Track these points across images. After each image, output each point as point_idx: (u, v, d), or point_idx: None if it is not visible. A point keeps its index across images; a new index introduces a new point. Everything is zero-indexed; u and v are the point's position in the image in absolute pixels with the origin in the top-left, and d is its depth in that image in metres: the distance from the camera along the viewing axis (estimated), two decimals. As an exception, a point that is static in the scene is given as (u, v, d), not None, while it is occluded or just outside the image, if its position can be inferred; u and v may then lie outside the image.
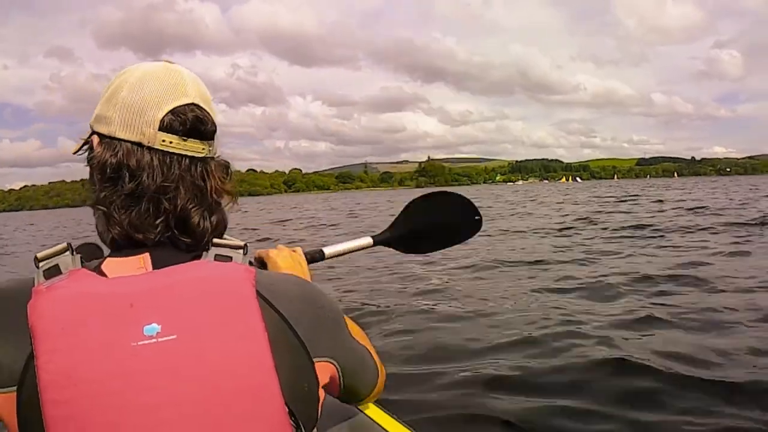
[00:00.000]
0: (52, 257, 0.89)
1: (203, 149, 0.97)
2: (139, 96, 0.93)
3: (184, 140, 0.94)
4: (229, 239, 0.99)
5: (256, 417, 0.84)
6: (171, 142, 0.93)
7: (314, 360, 0.93)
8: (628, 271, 7.35)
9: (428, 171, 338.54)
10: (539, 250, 10.50)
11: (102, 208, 0.93)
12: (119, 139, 0.93)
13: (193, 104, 0.96)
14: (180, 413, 0.80)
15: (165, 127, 0.93)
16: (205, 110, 0.97)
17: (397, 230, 1.86)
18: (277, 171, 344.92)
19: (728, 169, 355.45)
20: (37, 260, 0.88)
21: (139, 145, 0.92)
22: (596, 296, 6.12)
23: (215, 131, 1.00)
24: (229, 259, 0.94)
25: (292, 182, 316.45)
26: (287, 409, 0.87)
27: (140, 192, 0.92)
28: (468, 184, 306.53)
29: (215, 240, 0.97)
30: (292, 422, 0.88)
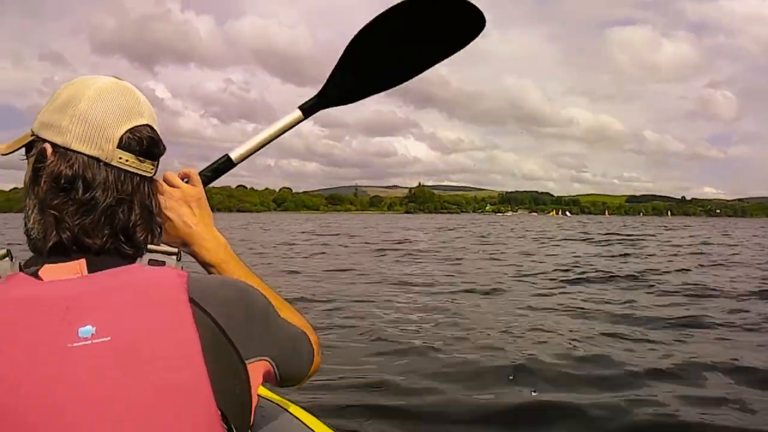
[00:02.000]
0: None
1: (152, 170, 1.01)
2: (100, 111, 0.95)
3: (141, 160, 0.98)
4: (163, 246, 1.01)
5: (188, 419, 0.85)
6: (128, 161, 0.96)
7: (247, 362, 0.94)
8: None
9: (418, 197, 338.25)
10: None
11: (54, 212, 0.94)
12: (75, 151, 0.94)
13: (147, 125, 0.99)
14: (113, 413, 0.82)
15: (123, 145, 0.95)
16: (156, 131, 1.01)
17: (342, 76, 1.58)
18: (267, 188, 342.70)
19: (718, 211, 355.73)
20: None
21: (97, 159, 0.94)
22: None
23: (164, 152, 1.02)
24: (163, 263, 0.97)
25: (282, 200, 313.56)
26: (219, 412, 0.88)
27: (94, 203, 0.94)
28: (458, 213, 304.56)
29: (150, 246, 1.00)
30: (224, 425, 0.89)
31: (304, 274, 11.82)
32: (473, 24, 1.57)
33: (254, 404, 0.98)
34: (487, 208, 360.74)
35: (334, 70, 1.57)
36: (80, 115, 0.95)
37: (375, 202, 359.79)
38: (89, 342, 0.82)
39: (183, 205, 1.22)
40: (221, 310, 0.93)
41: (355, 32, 1.53)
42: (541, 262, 15.23)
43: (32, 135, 0.99)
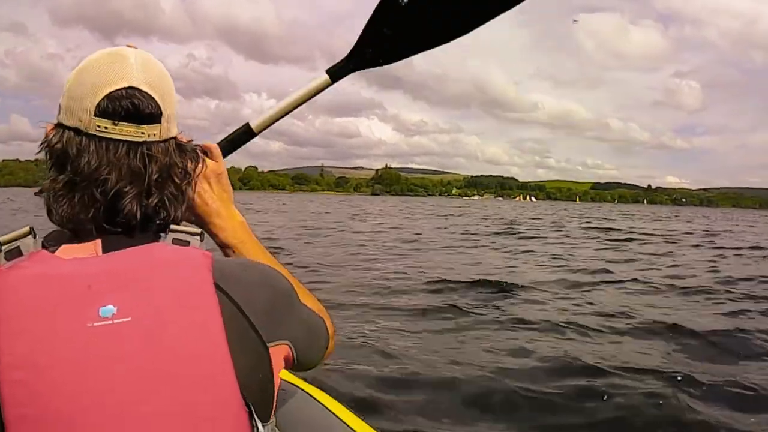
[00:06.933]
0: (14, 240, 0.90)
1: (142, 133, 0.95)
2: (81, 83, 0.94)
3: (116, 125, 0.93)
4: (186, 226, 0.99)
5: (209, 402, 0.85)
6: (106, 128, 0.93)
7: (269, 345, 0.94)
8: None
9: (385, 179, 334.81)
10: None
11: (43, 197, 0.95)
12: (64, 126, 0.95)
13: (131, 87, 0.94)
14: (132, 395, 0.81)
15: (101, 112, 0.93)
16: (146, 94, 0.95)
17: (378, 31, 1.38)
18: (233, 167, 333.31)
19: (684, 200, 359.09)
20: (0, 244, 0.89)
21: (77, 131, 0.93)
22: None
23: (159, 115, 0.97)
24: (187, 243, 0.95)
25: (248, 180, 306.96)
26: (241, 396, 0.87)
27: (76, 180, 0.92)
28: (424, 196, 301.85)
29: (172, 226, 0.97)
30: (246, 409, 0.88)
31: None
32: None
33: (277, 388, 0.97)
34: (453, 191, 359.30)
35: (368, 25, 1.38)
36: (67, 91, 0.96)
37: (341, 183, 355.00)
38: (110, 322, 0.82)
39: (201, 181, 1.14)
40: (244, 294, 0.92)
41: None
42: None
43: None
